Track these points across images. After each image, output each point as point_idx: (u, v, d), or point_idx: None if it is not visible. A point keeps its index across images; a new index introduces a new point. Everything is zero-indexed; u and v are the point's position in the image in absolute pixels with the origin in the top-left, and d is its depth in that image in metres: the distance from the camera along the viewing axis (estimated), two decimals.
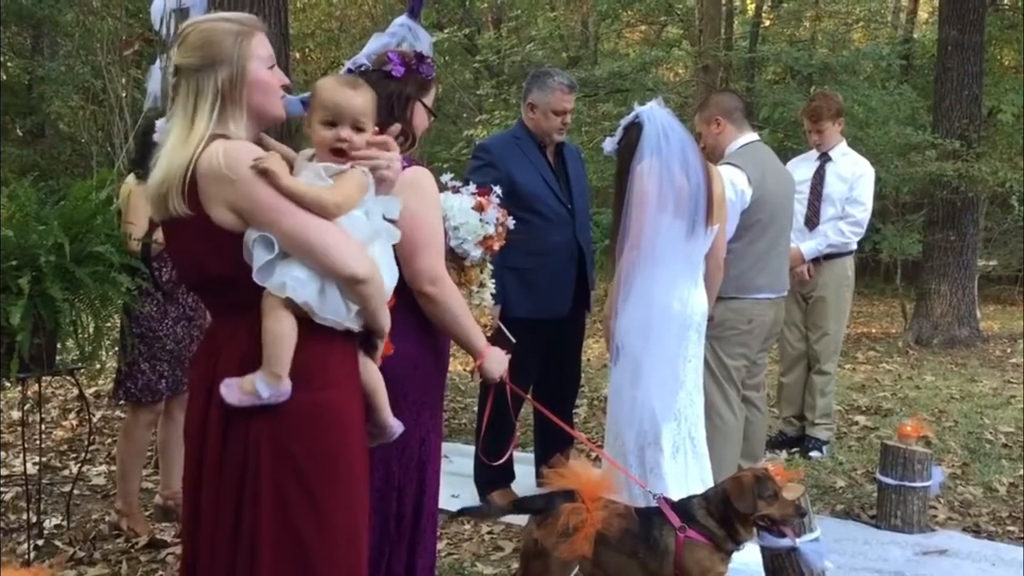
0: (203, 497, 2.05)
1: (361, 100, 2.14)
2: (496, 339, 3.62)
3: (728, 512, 2.90)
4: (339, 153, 2.12)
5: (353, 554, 2.13)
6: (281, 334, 1.98)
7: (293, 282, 1.96)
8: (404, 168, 2.55)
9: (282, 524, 2.01)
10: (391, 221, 2.16)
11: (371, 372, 2.22)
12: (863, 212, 5.36)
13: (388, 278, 2.13)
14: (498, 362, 2.76)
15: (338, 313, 2.03)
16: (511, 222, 3.23)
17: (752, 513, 2.86)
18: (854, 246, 5.48)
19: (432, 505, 2.72)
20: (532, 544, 2.92)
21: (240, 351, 2.01)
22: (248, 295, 1.99)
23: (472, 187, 3.18)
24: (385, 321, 2.16)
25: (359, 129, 2.13)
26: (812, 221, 5.37)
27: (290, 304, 1.98)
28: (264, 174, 1.95)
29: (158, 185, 2.01)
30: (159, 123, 2.07)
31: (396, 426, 2.30)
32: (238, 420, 2.00)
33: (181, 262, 2.17)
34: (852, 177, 5.37)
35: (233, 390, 1.99)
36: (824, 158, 5.44)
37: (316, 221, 1.98)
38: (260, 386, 1.97)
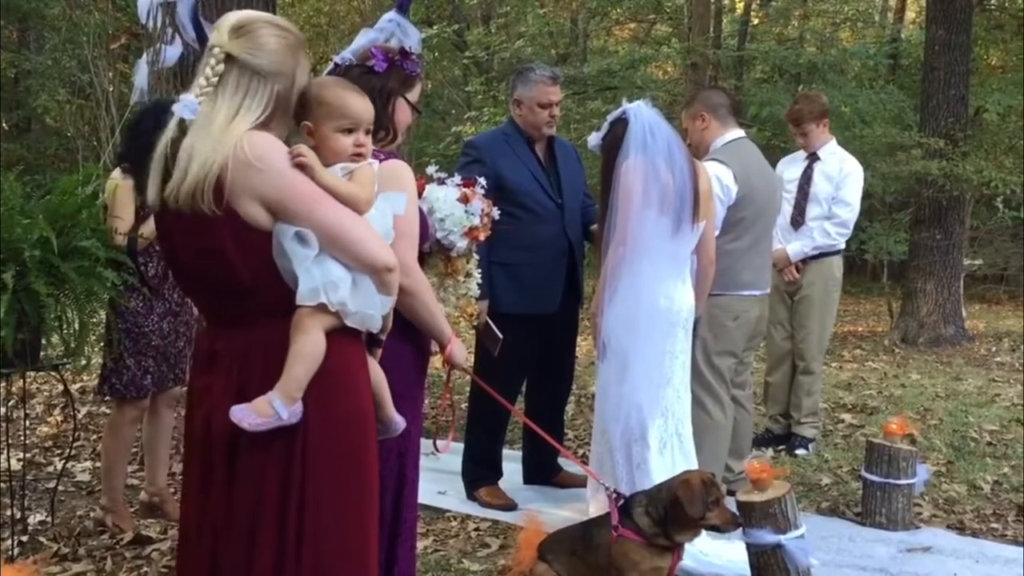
0: (235, 498, 2.00)
1: (370, 105, 2.18)
2: (484, 334, 3.62)
3: (670, 513, 2.93)
4: (357, 157, 2.14)
5: (374, 555, 2.18)
6: (313, 355, 1.97)
7: (329, 284, 1.94)
8: (382, 161, 2.56)
9: (327, 530, 2.01)
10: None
11: (376, 369, 2.24)
12: (849, 212, 5.37)
13: None
14: (463, 349, 2.81)
15: (372, 306, 2.03)
16: (496, 212, 3.27)
17: (700, 518, 2.89)
18: (841, 246, 5.47)
19: (412, 498, 2.73)
20: None
21: (279, 358, 1.96)
22: (279, 299, 1.96)
23: (457, 179, 3.21)
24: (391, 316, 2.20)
25: (368, 132, 2.17)
26: (798, 220, 5.38)
27: (323, 311, 1.96)
28: (303, 168, 1.96)
29: (195, 174, 1.90)
30: (184, 96, 2.00)
31: (400, 422, 2.33)
32: (281, 428, 1.95)
33: (197, 262, 2.03)
34: (839, 176, 5.37)
35: (248, 415, 1.92)
36: (812, 157, 5.45)
37: (349, 212, 2.00)
38: (279, 407, 1.93)
